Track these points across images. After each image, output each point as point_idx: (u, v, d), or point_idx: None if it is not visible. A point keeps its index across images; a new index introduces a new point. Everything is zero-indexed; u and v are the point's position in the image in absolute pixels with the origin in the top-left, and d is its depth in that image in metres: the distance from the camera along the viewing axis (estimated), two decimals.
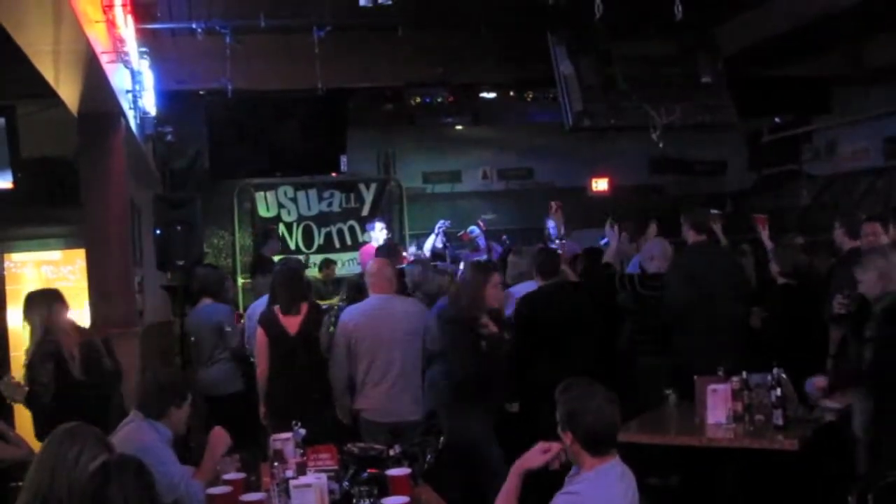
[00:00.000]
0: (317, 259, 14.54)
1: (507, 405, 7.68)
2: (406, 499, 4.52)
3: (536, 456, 4.24)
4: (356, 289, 8.65)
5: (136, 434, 5.02)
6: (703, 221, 8.71)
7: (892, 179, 14.86)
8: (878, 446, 5.97)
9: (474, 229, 12.67)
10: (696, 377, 7.07)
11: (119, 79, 7.96)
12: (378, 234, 11.93)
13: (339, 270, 14.22)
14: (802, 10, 10.00)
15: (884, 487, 4.26)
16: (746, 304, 8.18)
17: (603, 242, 10.44)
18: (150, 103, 9.14)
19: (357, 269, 13.03)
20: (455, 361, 7.15)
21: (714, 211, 9.48)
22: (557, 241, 10.93)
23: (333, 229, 15.70)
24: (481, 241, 12.36)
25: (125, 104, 8.36)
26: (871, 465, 5.96)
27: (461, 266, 9.40)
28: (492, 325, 7.15)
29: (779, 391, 6.42)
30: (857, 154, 15.74)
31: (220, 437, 5.31)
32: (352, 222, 15.74)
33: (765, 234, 9.42)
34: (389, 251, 9.75)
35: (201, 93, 10.90)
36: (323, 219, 15.73)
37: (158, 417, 5.15)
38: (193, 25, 9.59)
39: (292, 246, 15.16)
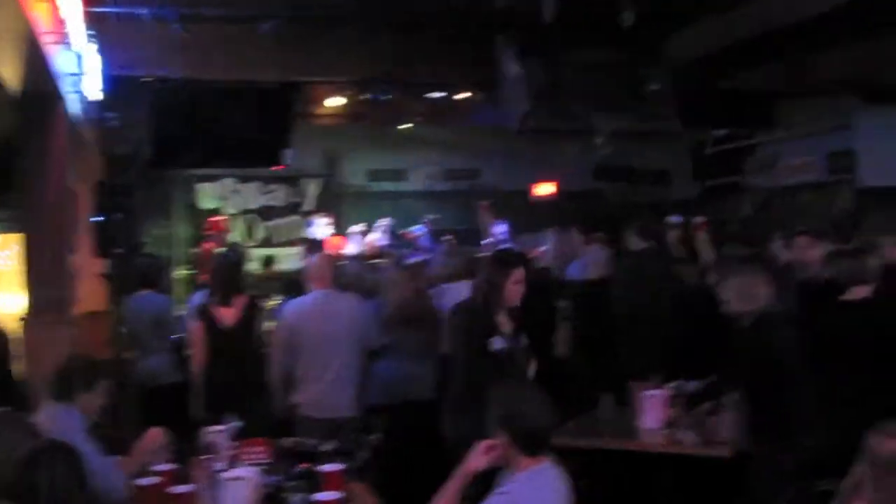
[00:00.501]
0: (259, 253, 14.46)
1: None
2: (338, 494, 4.49)
3: (480, 457, 4.23)
4: (295, 285, 8.63)
5: (52, 421, 4.95)
6: (649, 228, 8.76)
7: (834, 194, 15.03)
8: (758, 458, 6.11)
9: (420, 228, 12.66)
10: (631, 383, 7.11)
11: (62, 61, 7.84)
12: (320, 228, 11.87)
13: (281, 266, 14.14)
14: (749, 23, 10.08)
15: (814, 496, 4.31)
16: (686, 311, 8.23)
17: (541, 251, 10.49)
18: (94, 88, 9.02)
19: (299, 265, 12.96)
20: (459, 366, 6.57)
21: (673, 219, 9.51)
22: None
23: (275, 223, 15.63)
24: (425, 241, 12.37)
25: (68, 87, 8.23)
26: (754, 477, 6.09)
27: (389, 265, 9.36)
28: (506, 325, 6.49)
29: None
30: (800, 168, 15.90)
31: (153, 437, 5.26)
32: (294, 217, 15.68)
33: (702, 240, 9.46)
34: (320, 246, 9.77)
35: (147, 79, 10.78)
36: (265, 212, 15.66)
37: (65, 400, 5.08)
38: (142, 11, 9.49)
39: (234, 239, 15.04)
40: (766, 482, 6.08)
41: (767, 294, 6.34)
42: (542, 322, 8.35)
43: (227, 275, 7.67)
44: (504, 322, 6.42)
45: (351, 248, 11.65)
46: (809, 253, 8.46)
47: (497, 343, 6.29)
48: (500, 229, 11.45)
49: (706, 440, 6.47)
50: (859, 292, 6.76)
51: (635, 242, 8.63)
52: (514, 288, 6.39)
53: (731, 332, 6.54)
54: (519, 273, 6.44)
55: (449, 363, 7.24)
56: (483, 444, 4.25)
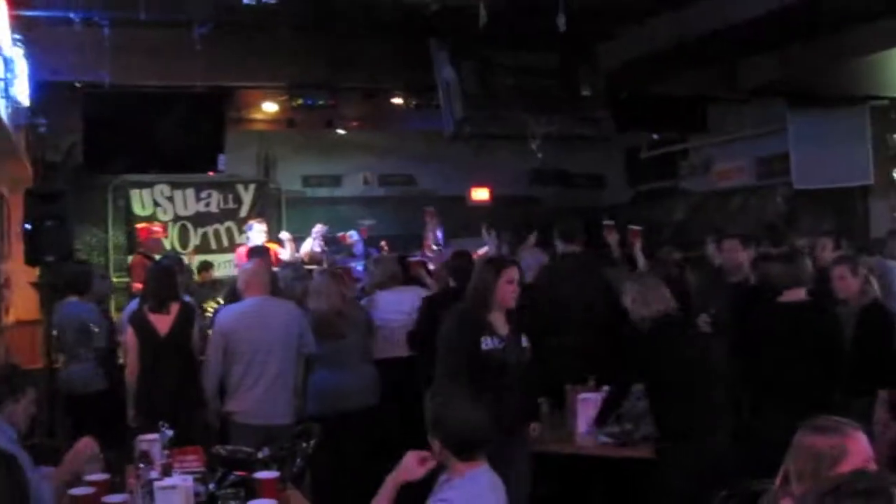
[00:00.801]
0: (195, 259, 14.33)
1: None
2: (273, 502, 4.47)
3: (413, 467, 4.21)
4: (235, 292, 8.58)
5: None
6: (573, 231, 8.81)
7: (764, 198, 15.23)
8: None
9: (353, 234, 12.63)
10: (567, 386, 7.15)
11: None
12: (257, 234, 11.78)
13: (217, 272, 14.04)
14: (682, 29, 10.16)
15: (747, 496, 4.34)
16: (615, 315, 8.28)
17: (483, 251, 10.50)
18: (23, 93, 8.88)
19: (234, 271, 12.86)
20: (441, 369, 6.34)
21: (608, 222, 9.57)
22: (435, 248, 10.95)
23: (210, 230, 15.53)
24: (359, 248, 12.35)
25: None
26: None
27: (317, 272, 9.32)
28: (501, 327, 6.32)
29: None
30: (731, 172, 16.12)
31: (84, 446, 5.19)
32: (229, 223, 15.58)
33: (637, 248, 9.56)
34: (262, 252, 9.71)
35: (78, 85, 10.64)
36: (200, 219, 15.54)
37: None
38: (71, 15, 9.36)
39: (168, 246, 14.90)
40: (672, 484, 6.17)
41: (665, 299, 6.44)
42: None
43: (161, 282, 7.61)
44: (499, 323, 6.31)
45: (284, 254, 11.56)
46: (738, 256, 8.58)
47: (488, 343, 6.18)
48: (437, 233, 11.45)
49: (627, 442, 6.56)
50: (794, 294, 6.85)
51: (560, 245, 8.66)
52: (507, 288, 6.28)
53: (631, 337, 6.65)
54: (511, 272, 6.34)
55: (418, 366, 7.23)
56: (415, 455, 4.23)
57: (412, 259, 10.67)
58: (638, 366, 6.46)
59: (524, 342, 6.38)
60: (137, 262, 12.16)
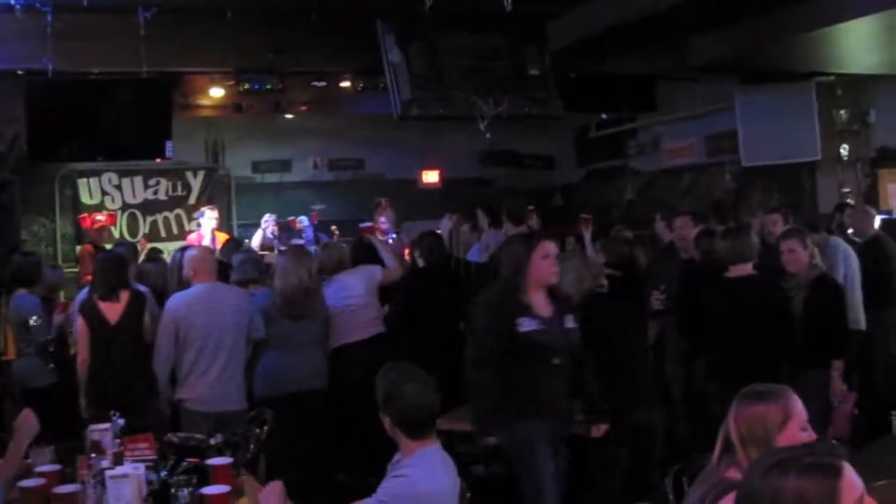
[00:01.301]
0: (145, 248, 14.20)
1: None
2: (226, 487, 4.44)
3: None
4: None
5: None
6: (522, 213, 8.85)
7: (714, 176, 15.32)
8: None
9: (304, 219, 12.58)
10: None
11: None
12: (208, 221, 11.70)
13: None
14: (629, 7, 10.19)
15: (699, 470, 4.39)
16: None
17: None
18: None
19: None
20: (474, 354, 6.14)
21: (585, 215, 9.64)
22: (392, 236, 10.93)
23: (159, 217, 15.41)
24: (308, 233, 12.31)
25: None
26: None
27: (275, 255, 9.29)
28: (542, 307, 6.00)
29: None
30: (680, 151, 16.19)
31: (25, 421, 5.08)
32: (178, 211, 15.46)
33: (587, 235, 9.61)
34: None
35: (20, 73, 10.51)
36: (148, 207, 15.41)
37: None
38: (12, 2, 9.23)
39: (116, 234, 14.76)
40: (605, 456, 6.25)
41: (596, 277, 6.51)
42: (447, 312, 8.40)
43: (111, 270, 7.54)
44: (539, 303, 6.01)
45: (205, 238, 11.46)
46: (689, 233, 8.67)
47: (527, 325, 5.88)
48: (382, 220, 11.42)
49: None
50: (741, 269, 6.93)
51: (510, 228, 8.70)
52: (543, 264, 5.94)
53: None
54: (546, 247, 6.01)
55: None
56: (274, 487, 4.16)
57: (363, 226, 10.70)
58: None
59: (570, 323, 6.10)
60: (85, 252, 12.04)
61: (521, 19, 9.30)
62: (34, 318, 8.54)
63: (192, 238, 11.94)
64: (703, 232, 8.57)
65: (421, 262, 8.72)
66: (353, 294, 8.56)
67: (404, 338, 8.17)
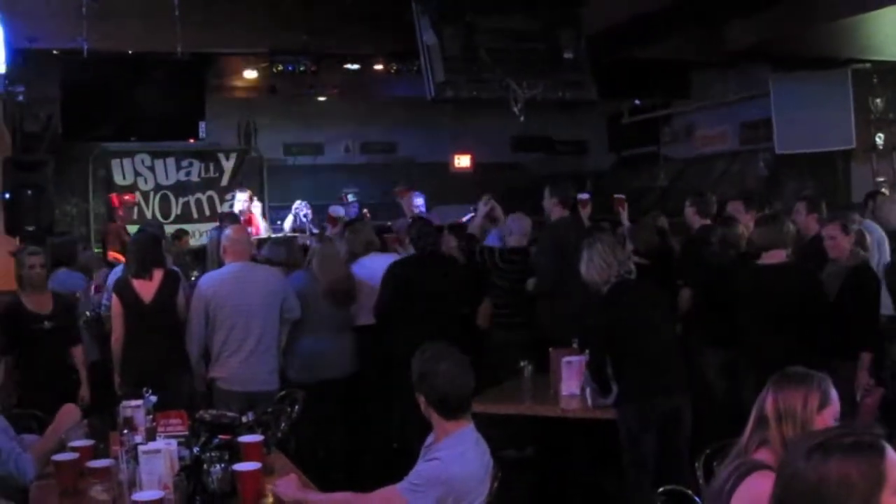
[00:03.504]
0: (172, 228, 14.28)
1: None
2: (258, 464, 4.45)
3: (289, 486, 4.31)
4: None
5: None
6: (570, 197, 8.82)
7: (747, 163, 15.24)
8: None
9: (337, 209, 12.60)
10: (550, 349, 7.15)
11: None
12: (238, 203, 11.75)
13: (195, 241, 13.97)
14: None
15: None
16: None
17: (467, 218, 10.48)
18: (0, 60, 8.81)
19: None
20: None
21: (583, 195, 9.59)
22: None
23: (192, 199, 15.48)
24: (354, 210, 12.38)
25: None
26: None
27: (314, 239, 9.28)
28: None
29: None
30: (714, 138, 16.11)
31: (67, 413, 5.18)
32: (210, 192, 15.53)
33: (624, 216, 9.59)
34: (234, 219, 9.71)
35: (56, 52, 10.55)
36: (181, 188, 15.48)
37: None
38: None
39: (149, 215, 14.86)
40: (626, 441, 6.22)
41: (621, 263, 6.45)
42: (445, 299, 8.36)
43: (145, 248, 7.57)
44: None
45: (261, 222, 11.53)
46: (742, 219, 8.60)
47: None
48: (417, 202, 11.41)
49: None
50: (774, 256, 6.88)
51: (558, 211, 8.66)
52: None
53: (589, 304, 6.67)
54: None
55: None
56: (292, 477, 4.37)
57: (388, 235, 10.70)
58: (596, 329, 6.49)
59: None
60: (112, 230, 12.10)
61: (555, 3, 9.27)
62: (79, 293, 8.63)
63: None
64: (723, 220, 8.53)
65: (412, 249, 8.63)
66: (377, 277, 8.54)
67: (403, 326, 8.11)
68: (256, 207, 12.75)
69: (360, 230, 9.11)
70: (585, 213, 9.32)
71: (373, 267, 8.51)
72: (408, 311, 7.88)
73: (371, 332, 8.32)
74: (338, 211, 11.95)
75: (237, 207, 11.65)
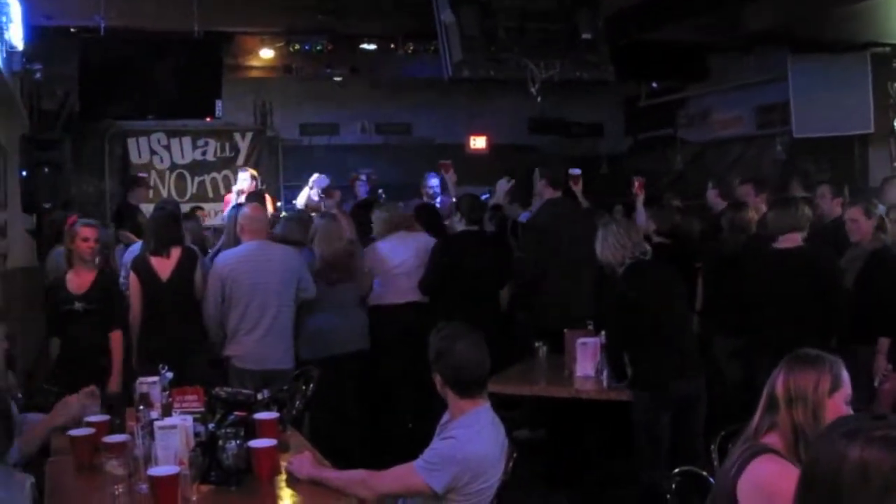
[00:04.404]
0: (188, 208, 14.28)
1: None
2: (273, 441, 4.47)
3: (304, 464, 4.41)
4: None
5: None
6: (559, 177, 8.79)
7: (764, 147, 15.17)
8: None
9: (363, 177, 12.63)
10: (565, 331, 7.15)
11: None
12: (241, 182, 11.73)
13: (210, 220, 13.98)
14: None
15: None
16: None
17: (484, 197, 10.48)
18: (17, 37, 8.80)
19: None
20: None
21: (574, 171, 9.56)
22: (440, 198, 10.92)
23: (207, 178, 15.47)
24: (363, 191, 12.38)
25: None
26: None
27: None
28: None
29: None
30: (730, 121, 16.04)
31: (64, 405, 5.29)
32: (226, 172, 15.50)
33: (640, 198, 9.57)
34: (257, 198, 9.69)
35: (73, 30, 10.56)
36: (197, 167, 15.48)
37: None
38: None
39: (164, 194, 14.86)
40: (649, 427, 6.22)
41: (636, 244, 6.44)
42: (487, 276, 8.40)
43: (164, 226, 7.59)
44: None
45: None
46: (751, 201, 8.60)
47: None
48: (432, 182, 11.40)
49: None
50: (790, 240, 6.86)
51: (548, 192, 8.64)
52: None
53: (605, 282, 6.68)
54: None
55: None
56: (306, 455, 4.47)
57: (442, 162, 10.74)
58: (610, 310, 6.49)
59: None
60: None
61: None
62: None
63: (229, 198, 11.98)
64: (731, 205, 8.52)
65: (461, 225, 8.66)
66: (400, 258, 8.55)
67: (443, 303, 8.17)
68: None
69: (391, 208, 9.12)
70: (578, 189, 9.31)
71: (392, 248, 8.54)
72: (450, 288, 7.98)
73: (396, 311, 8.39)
74: (322, 182, 11.77)
75: (240, 186, 11.60)
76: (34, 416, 5.32)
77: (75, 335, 7.13)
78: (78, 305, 7.08)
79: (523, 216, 9.56)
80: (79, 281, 7.15)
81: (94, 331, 7.15)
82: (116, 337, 7.20)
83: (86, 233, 7.17)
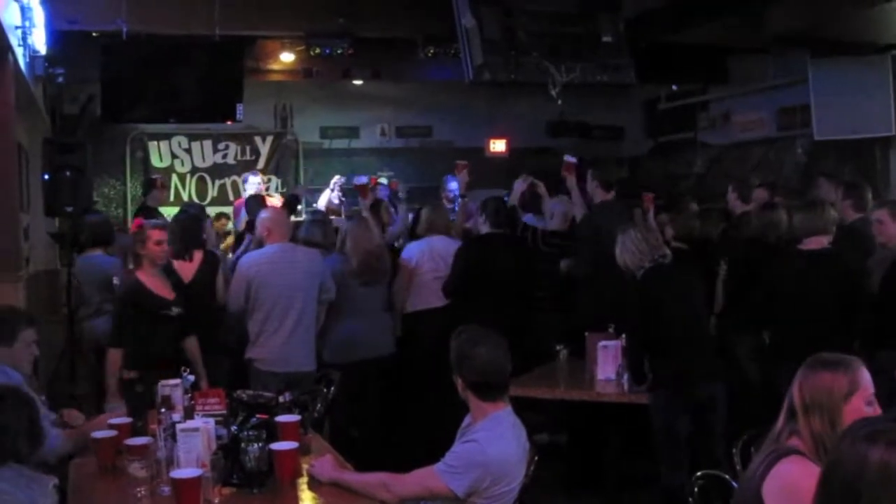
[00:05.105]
0: (210, 212, 14.32)
1: None
2: (295, 443, 4.48)
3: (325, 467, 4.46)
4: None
5: None
6: (611, 180, 8.81)
7: (784, 150, 15.12)
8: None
9: (384, 180, 12.64)
10: (587, 333, 7.15)
11: (8, 14, 7.69)
12: (252, 186, 11.75)
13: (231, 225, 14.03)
14: None
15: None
16: None
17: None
18: (40, 42, 8.85)
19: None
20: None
21: (569, 158, 9.52)
22: (459, 200, 10.89)
23: (228, 181, 15.51)
24: (383, 193, 12.37)
25: (14, 40, 8.06)
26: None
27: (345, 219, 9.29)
28: None
29: None
30: (751, 124, 15.97)
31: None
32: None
33: (650, 214, 9.51)
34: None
35: (95, 34, 10.61)
36: (217, 170, 15.53)
37: None
38: None
39: (185, 198, 14.92)
40: (661, 430, 6.21)
41: (654, 248, 6.44)
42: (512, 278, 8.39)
43: (187, 229, 7.62)
44: None
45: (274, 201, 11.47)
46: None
47: None
48: (451, 185, 11.38)
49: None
50: (815, 242, 6.82)
51: (600, 194, 8.66)
52: None
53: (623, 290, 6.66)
54: None
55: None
56: (328, 458, 4.53)
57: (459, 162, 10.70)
58: (631, 315, 6.48)
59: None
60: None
61: None
62: (117, 277, 8.64)
63: (238, 204, 12.01)
64: (763, 205, 8.49)
65: (486, 228, 8.63)
66: (438, 260, 8.55)
67: (471, 305, 8.17)
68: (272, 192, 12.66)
69: (437, 209, 9.13)
70: (571, 178, 9.26)
71: (431, 249, 8.55)
72: (474, 291, 7.97)
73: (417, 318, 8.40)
74: (361, 179, 11.80)
75: (251, 191, 11.62)
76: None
77: (162, 340, 6.74)
78: (174, 311, 6.78)
79: (527, 217, 9.53)
80: (161, 285, 6.86)
81: (178, 335, 6.90)
82: (192, 344, 7.03)
83: (158, 235, 6.79)
